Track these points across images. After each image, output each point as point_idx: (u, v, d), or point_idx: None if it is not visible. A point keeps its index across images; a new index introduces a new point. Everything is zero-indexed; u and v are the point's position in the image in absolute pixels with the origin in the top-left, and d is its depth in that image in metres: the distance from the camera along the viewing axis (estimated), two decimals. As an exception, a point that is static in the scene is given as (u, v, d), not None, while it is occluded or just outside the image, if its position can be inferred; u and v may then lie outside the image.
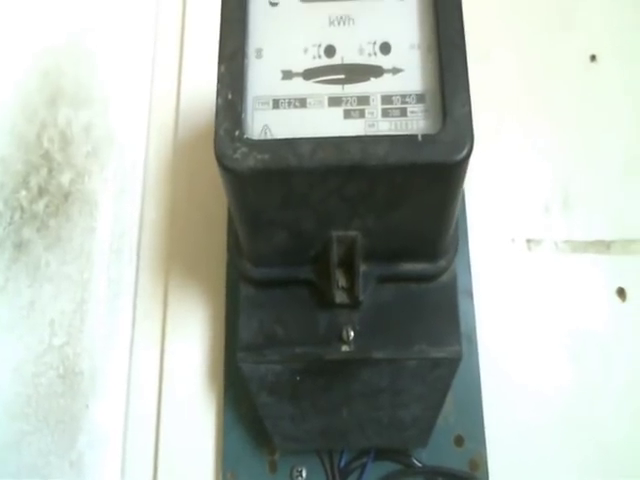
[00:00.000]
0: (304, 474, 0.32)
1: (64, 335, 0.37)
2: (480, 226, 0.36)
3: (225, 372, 0.34)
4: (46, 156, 0.40)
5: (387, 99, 0.23)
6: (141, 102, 0.41)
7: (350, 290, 0.27)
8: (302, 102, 0.24)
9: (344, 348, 0.28)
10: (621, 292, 0.35)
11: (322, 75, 0.24)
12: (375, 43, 0.24)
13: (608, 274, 0.36)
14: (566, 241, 0.36)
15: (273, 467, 0.33)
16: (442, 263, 0.28)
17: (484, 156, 0.36)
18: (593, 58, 0.39)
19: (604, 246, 0.36)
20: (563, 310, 0.35)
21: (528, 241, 0.36)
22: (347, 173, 0.22)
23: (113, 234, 0.38)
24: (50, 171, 0.40)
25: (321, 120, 0.23)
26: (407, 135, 0.22)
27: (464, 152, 0.22)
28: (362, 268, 0.27)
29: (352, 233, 0.26)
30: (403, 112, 0.23)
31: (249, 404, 0.31)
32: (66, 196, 0.39)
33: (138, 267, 0.38)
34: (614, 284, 0.35)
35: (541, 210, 0.37)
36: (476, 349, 0.33)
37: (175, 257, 0.37)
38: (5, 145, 0.40)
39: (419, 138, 0.22)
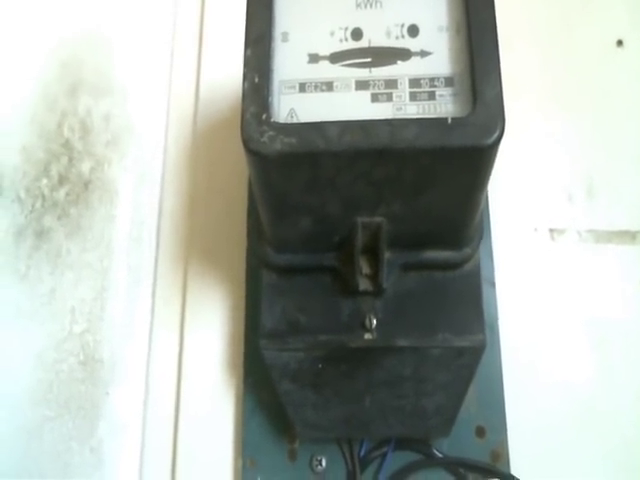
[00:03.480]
0: (324, 463, 0.32)
1: (84, 322, 0.37)
2: (503, 215, 0.36)
3: (245, 359, 0.34)
4: (67, 145, 0.40)
5: (415, 82, 0.23)
6: (160, 90, 0.41)
7: (374, 277, 0.27)
8: (329, 86, 0.23)
9: (367, 336, 0.28)
10: (646, 282, 0.35)
11: (349, 58, 0.24)
12: (403, 26, 0.24)
13: (632, 265, 0.35)
14: (590, 231, 0.36)
15: (293, 455, 0.33)
16: (467, 251, 0.28)
17: (507, 145, 0.36)
18: (620, 43, 0.38)
19: (629, 236, 0.35)
20: (586, 300, 0.35)
21: (551, 230, 0.36)
22: (375, 156, 0.22)
23: (133, 222, 0.39)
24: (70, 160, 0.40)
25: (348, 104, 0.23)
26: (436, 118, 0.22)
27: (495, 135, 0.21)
28: (386, 255, 0.27)
29: (378, 219, 0.25)
30: (431, 95, 0.23)
31: (269, 391, 0.31)
32: (86, 184, 0.39)
33: (157, 255, 0.38)
34: (639, 275, 0.35)
35: (564, 199, 0.36)
36: (498, 339, 0.33)
37: (194, 244, 0.37)
38: (26, 134, 0.40)
39: (449, 121, 0.22)
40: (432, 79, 0.23)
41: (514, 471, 0.31)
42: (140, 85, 0.41)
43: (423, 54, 0.23)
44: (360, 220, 0.25)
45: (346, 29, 0.24)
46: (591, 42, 0.39)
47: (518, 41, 0.39)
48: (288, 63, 0.24)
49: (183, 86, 0.41)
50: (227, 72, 0.38)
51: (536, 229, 0.36)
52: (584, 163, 0.37)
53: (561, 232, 0.36)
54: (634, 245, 0.35)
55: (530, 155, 0.37)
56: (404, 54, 0.23)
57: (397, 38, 0.24)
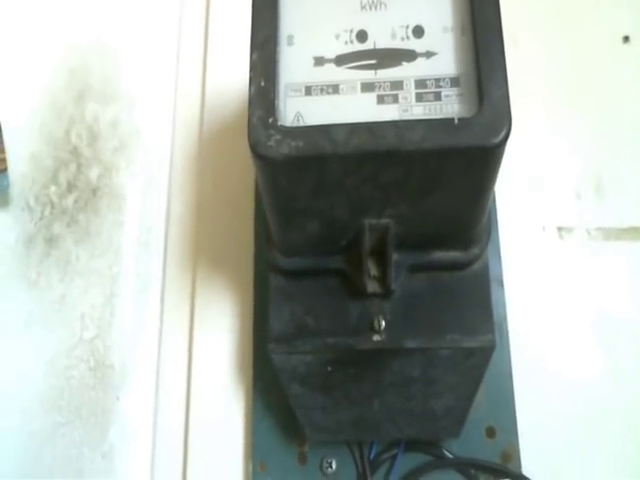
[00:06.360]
0: (334, 465, 0.32)
1: (94, 328, 0.37)
2: (510, 214, 0.35)
3: (254, 363, 0.34)
4: (75, 152, 0.40)
5: (421, 83, 0.23)
6: (166, 97, 0.41)
7: (382, 279, 0.27)
8: (335, 88, 0.23)
9: (376, 338, 0.28)
10: (657, 280, 0.34)
11: (354, 61, 0.24)
12: (408, 27, 0.24)
13: (642, 262, 0.35)
14: (598, 228, 0.36)
15: (303, 458, 0.33)
16: (475, 251, 0.28)
17: (514, 143, 0.36)
18: (626, 39, 0.38)
19: (638, 233, 0.35)
20: (596, 299, 0.34)
21: (559, 229, 0.36)
22: (382, 159, 0.22)
23: (141, 228, 0.39)
24: (79, 167, 0.40)
25: (354, 106, 0.23)
26: (443, 119, 0.22)
27: (502, 135, 0.21)
28: (394, 257, 0.27)
29: (385, 221, 0.25)
30: (437, 96, 0.23)
31: (279, 395, 0.31)
32: (94, 191, 0.40)
33: (166, 260, 0.38)
34: (649, 272, 0.35)
35: (572, 197, 0.36)
36: (507, 338, 0.33)
37: (202, 250, 0.37)
38: (35, 142, 0.41)
39: (455, 122, 0.22)
40: (438, 80, 0.23)
41: (525, 471, 0.31)
42: (147, 91, 0.41)
43: (428, 55, 0.23)
44: (367, 222, 0.25)
45: (351, 31, 0.24)
46: (598, 39, 0.38)
47: (524, 39, 0.38)
48: (294, 66, 0.24)
49: (189, 91, 0.41)
50: (233, 77, 0.38)
51: (544, 228, 0.36)
52: (592, 160, 0.37)
53: (569, 230, 0.36)
54: (643, 242, 0.35)
55: (537, 153, 0.37)
56: (409, 55, 0.23)
57: (402, 39, 0.24)
